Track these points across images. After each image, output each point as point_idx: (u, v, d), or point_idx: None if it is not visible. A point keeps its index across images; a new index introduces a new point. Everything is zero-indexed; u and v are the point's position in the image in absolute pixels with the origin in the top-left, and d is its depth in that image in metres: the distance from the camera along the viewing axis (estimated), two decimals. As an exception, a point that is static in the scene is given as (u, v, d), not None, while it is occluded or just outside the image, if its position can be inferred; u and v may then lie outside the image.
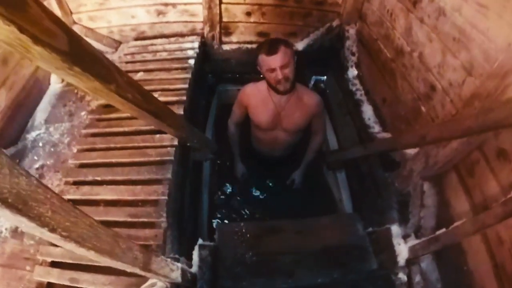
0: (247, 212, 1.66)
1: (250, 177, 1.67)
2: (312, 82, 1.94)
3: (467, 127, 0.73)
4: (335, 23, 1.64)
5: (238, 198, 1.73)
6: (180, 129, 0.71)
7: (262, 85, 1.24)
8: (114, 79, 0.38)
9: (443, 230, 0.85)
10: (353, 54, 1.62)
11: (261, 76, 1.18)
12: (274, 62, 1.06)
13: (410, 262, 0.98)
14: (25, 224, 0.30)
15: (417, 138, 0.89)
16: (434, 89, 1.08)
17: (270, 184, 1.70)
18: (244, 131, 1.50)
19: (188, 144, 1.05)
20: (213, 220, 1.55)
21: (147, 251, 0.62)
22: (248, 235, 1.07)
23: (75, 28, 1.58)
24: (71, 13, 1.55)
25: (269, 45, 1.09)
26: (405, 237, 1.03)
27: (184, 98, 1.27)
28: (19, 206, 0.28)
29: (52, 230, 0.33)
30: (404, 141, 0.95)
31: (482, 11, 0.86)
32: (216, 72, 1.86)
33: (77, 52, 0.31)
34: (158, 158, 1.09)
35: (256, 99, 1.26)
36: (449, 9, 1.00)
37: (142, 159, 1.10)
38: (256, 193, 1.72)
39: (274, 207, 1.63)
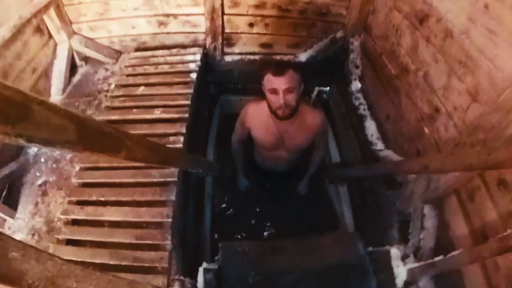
0: (250, 226, 1.70)
1: (252, 189, 1.70)
2: (315, 93, 1.95)
3: (469, 164, 0.75)
4: (339, 34, 1.64)
5: (241, 211, 1.76)
6: (185, 165, 0.73)
7: (264, 106, 1.22)
8: (123, 145, 0.40)
9: (441, 257, 0.89)
10: (357, 67, 1.62)
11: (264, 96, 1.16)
12: (279, 84, 1.03)
13: (408, 283, 1.02)
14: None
15: (419, 167, 0.91)
16: (438, 111, 1.09)
17: (272, 195, 1.73)
18: (247, 144, 1.52)
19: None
20: (216, 235, 1.58)
21: None
22: (250, 255, 1.10)
23: (75, 38, 1.57)
24: (71, 23, 1.55)
25: (277, 65, 1.07)
26: (404, 257, 1.07)
27: (187, 115, 1.28)
28: (48, 288, 0.30)
29: (78, 299, 0.35)
30: (406, 168, 0.97)
31: (491, 37, 0.87)
32: (218, 82, 1.86)
33: (86, 137, 0.33)
34: (162, 179, 1.11)
35: (258, 121, 1.25)
36: (456, 31, 1.00)
37: (145, 180, 1.12)
38: (259, 205, 1.75)
39: (277, 221, 1.67)
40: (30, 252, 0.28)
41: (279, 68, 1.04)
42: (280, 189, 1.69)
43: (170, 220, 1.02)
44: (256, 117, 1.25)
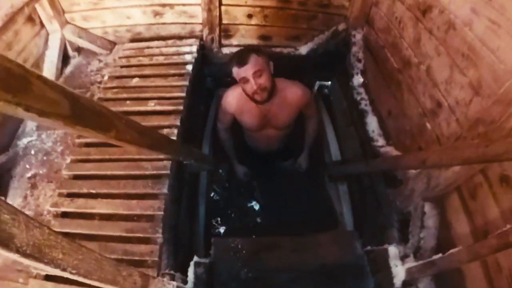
0: (246, 223, 1.73)
1: (251, 176, 1.73)
2: (316, 88, 1.98)
3: (467, 157, 0.77)
4: (341, 27, 1.67)
5: (236, 207, 1.80)
6: (176, 154, 0.76)
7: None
8: (113, 126, 0.44)
9: (440, 255, 0.91)
10: (359, 60, 1.65)
11: None
12: (246, 72, 1.11)
13: (406, 283, 1.05)
14: (41, 268, 0.36)
15: (417, 162, 0.93)
16: (440, 106, 1.11)
17: (270, 182, 1.77)
18: (237, 130, 1.56)
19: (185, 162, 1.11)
20: (211, 232, 1.61)
21: (145, 275, 0.68)
22: (244, 251, 1.14)
23: (68, 28, 1.62)
24: (64, 12, 1.59)
25: (239, 56, 1.15)
26: (404, 257, 1.09)
27: (181, 107, 1.32)
28: (35, 255, 0.33)
29: (63, 269, 0.39)
30: (404, 163, 1.00)
31: (493, 28, 0.89)
32: (215, 75, 1.90)
33: (78, 113, 0.36)
34: (154, 172, 1.14)
35: (239, 105, 1.31)
36: (459, 23, 1.02)
37: (137, 172, 1.15)
38: (256, 199, 1.79)
39: (274, 219, 1.70)
40: (20, 217, 0.32)
41: (241, 58, 1.12)
42: (277, 170, 1.72)
43: (161, 213, 1.05)
44: (237, 103, 1.32)
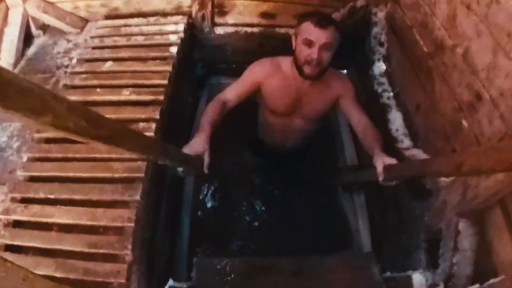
0: (240, 239, 1.70)
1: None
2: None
3: (513, 161, 0.73)
4: (359, 3, 1.64)
5: (230, 219, 1.77)
6: (145, 152, 0.73)
7: (283, 62, 1.27)
8: (49, 109, 0.40)
9: (477, 286, 0.87)
10: (381, 44, 1.62)
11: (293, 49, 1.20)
12: (318, 36, 1.10)
13: (435, 320, 1.00)
14: None
15: (451, 167, 0.89)
16: (480, 99, 1.08)
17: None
18: (249, 120, 1.53)
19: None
20: (196, 250, 1.59)
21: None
22: (233, 275, 1.11)
23: (31, 2, 1.62)
24: (27, -18, 1.59)
25: (322, 17, 1.15)
26: (432, 286, 1.05)
27: (162, 97, 1.30)
28: None
29: (-21, 288, 0.36)
30: (434, 168, 0.95)
31: (547, 1, 0.85)
32: (207, 61, 1.88)
33: None
34: (126, 175, 1.12)
35: (276, 78, 1.28)
36: (504, -6, 0.99)
37: (105, 175, 1.13)
38: (255, 209, 1.76)
39: (276, 235, 1.67)
40: None
41: (323, 20, 1.11)
42: (287, 175, 1.72)
43: (132, 225, 1.03)
44: (273, 73, 1.28)
